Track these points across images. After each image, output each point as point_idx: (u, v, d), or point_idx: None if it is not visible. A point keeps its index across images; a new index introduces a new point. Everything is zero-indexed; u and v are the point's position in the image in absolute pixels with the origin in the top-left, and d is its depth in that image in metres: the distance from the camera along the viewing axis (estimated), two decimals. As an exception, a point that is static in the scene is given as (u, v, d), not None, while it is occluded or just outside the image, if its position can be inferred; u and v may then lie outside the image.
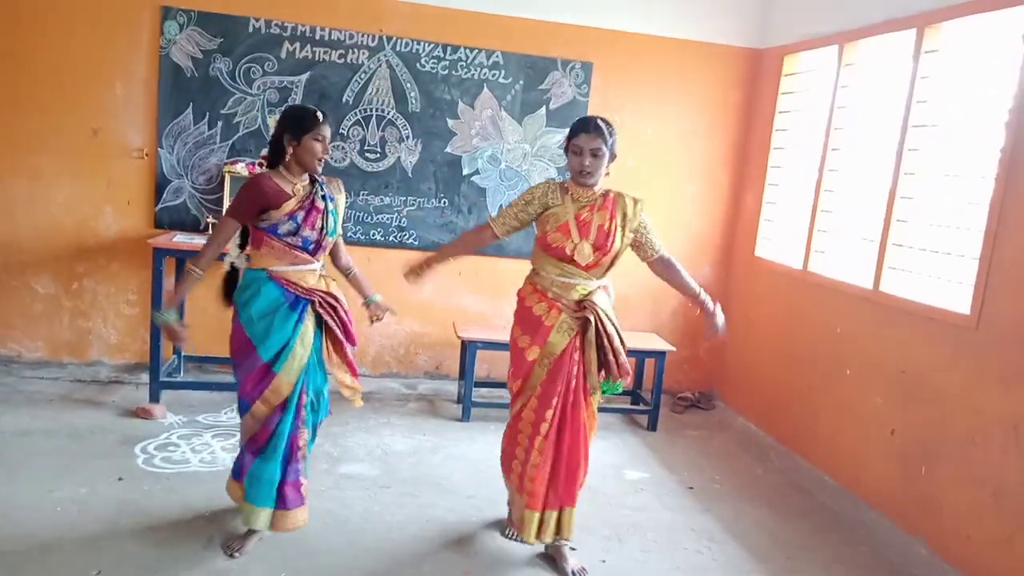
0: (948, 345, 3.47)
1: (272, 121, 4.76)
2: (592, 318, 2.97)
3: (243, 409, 3.00)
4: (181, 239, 4.47)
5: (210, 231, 4.60)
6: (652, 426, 4.88)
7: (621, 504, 3.80)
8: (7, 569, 2.76)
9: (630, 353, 4.53)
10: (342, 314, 3.03)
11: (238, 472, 3.02)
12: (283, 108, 3.05)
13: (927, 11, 3.74)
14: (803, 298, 4.56)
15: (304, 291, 2.93)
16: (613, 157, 3.00)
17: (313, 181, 3.00)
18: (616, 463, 4.32)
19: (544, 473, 3.03)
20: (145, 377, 4.56)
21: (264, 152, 3.08)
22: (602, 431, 4.77)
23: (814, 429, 4.35)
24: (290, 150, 2.88)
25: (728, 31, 5.21)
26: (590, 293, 3.03)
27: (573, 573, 3.09)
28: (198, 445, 3.96)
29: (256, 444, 2.97)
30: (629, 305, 5.27)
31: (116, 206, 4.73)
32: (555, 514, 3.07)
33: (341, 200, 3.09)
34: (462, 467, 4.05)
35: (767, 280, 4.99)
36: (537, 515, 3.05)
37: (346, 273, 3.26)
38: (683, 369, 5.46)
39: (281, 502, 2.97)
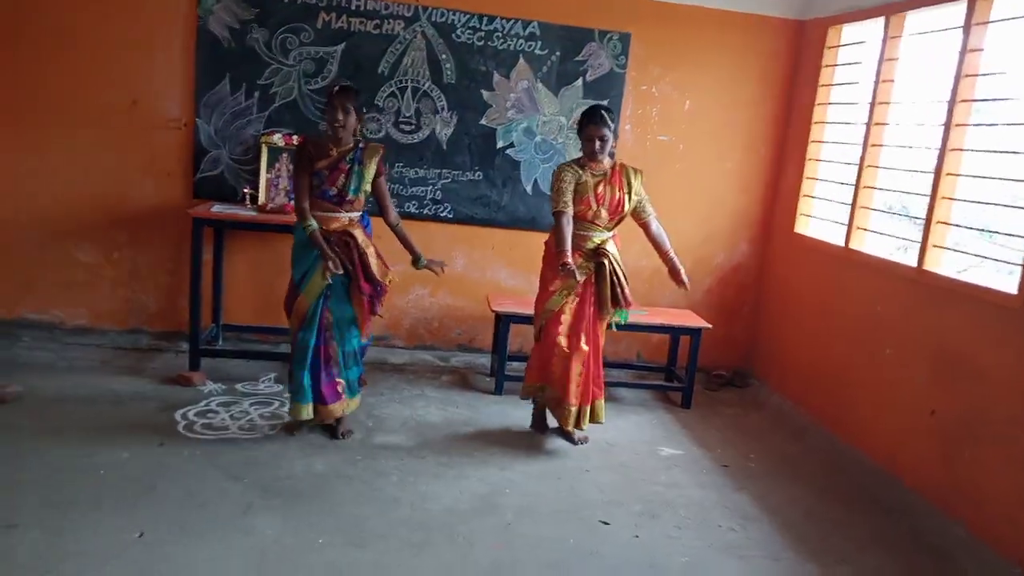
0: (993, 326, 3.38)
1: (308, 91, 4.78)
2: (606, 261, 3.85)
3: (287, 320, 3.79)
4: (219, 209, 4.51)
5: (247, 202, 4.64)
6: (686, 403, 4.85)
7: (655, 480, 3.79)
8: (50, 532, 2.84)
9: (665, 329, 4.84)
10: (352, 251, 3.63)
11: (290, 376, 3.77)
12: (356, 89, 3.68)
13: (981, -20, 3.61)
14: (844, 276, 4.48)
15: (325, 232, 3.61)
16: (616, 137, 3.95)
17: (356, 146, 3.65)
18: (650, 440, 4.30)
19: (585, 376, 3.91)
20: (184, 345, 4.64)
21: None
22: (636, 407, 4.78)
23: (852, 408, 4.29)
24: (328, 123, 3.61)
25: (770, 1, 5.08)
26: (603, 242, 3.89)
27: (577, 440, 4.08)
28: (237, 412, 4.02)
29: (293, 355, 3.72)
30: (664, 281, 5.19)
31: (155, 176, 4.78)
32: (589, 407, 3.97)
33: (371, 165, 3.67)
34: (495, 439, 4.07)
35: (807, 257, 4.91)
36: (577, 408, 3.91)
37: (393, 228, 3.81)
38: (718, 346, 5.40)
39: (319, 399, 3.68)
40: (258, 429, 3.85)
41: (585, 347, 3.90)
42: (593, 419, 4.02)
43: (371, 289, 3.70)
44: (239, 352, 4.72)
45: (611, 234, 3.93)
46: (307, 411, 3.67)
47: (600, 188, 3.80)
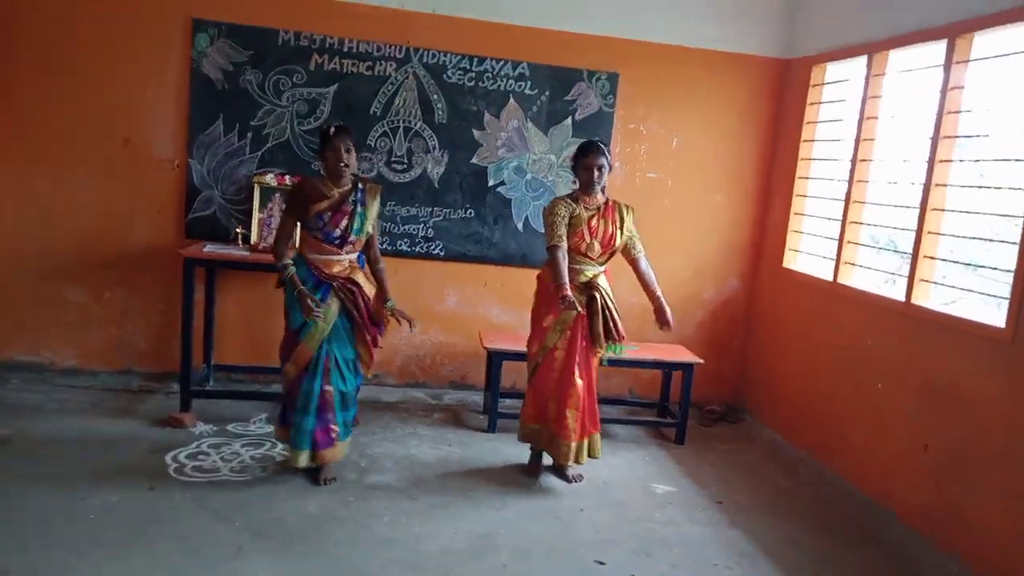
0: (983, 359, 3.42)
1: (300, 132, 4.82)
2: (597, 295, 3.89)
3: (281, 366, 3.71)
4: (211, 249, 4.52)
5: (239, 241, 4.65)
6: (680, 439, 4.84)
7: (649, 518, 3.78)
8: (42, 576, 2.80)
9: (657, 365, 4.83)
10: (358, 299, 3.64)
11: (282, 419, 3.74)
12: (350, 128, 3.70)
13: (957, 22, 3.70)
14: (833, 310, 4.51)
15: (327, 276, 3.59)
16: (611, 168, 3.99)
17: (355, 187, 3.63)
18: (644, 476, 4.29)
19: (580, 411, 3.91)
20: (175, 386, 4.61)
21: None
22: (630, 444, 4.77)
23: (844, 442, 4.30)
24: (321, 162, 3.63)
25: (755, 41, 5.19)
26: (595, 276, 3.94)
27: (572, 478, 4.08)
28: (228, 454, 3.99)
29: (292, 400, 3.64)
30: (654, 318, 5.24)
31: (147, 216, 4.79)
32: (586, 441, 3.98)
33: (373, 205, 3.69)
34: (489, 477, 4.05)
35: (796, 292, 4.95)
36: (576, 444, 3.92)
37: (372, 267, 3.83)
38: (710, 381, 5.41)
39: (314, 444, 3.63)
40: (249, 470, 3.82)
41: (580, 381, 3.91)
42: (591, 454, 4.03)
43: (377, 331, 3.77)
44: (230, 392, 4.70)
45: (603, 268, 3.99)
46: (305, 458, 3.64)
47: (594, 221, 3.87)
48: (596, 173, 3.84)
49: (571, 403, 3.89)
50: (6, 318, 4.74)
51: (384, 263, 3.86)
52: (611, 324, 3.91)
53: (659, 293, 4.02)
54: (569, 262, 3.83)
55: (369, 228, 3.69)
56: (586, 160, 3.85)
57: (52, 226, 4.71)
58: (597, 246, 3.88)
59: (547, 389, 3.95)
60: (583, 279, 3.90)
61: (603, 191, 3.96)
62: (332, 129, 3.55)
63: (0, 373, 4.71)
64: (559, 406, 3.91)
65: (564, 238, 3.81)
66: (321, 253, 3.61)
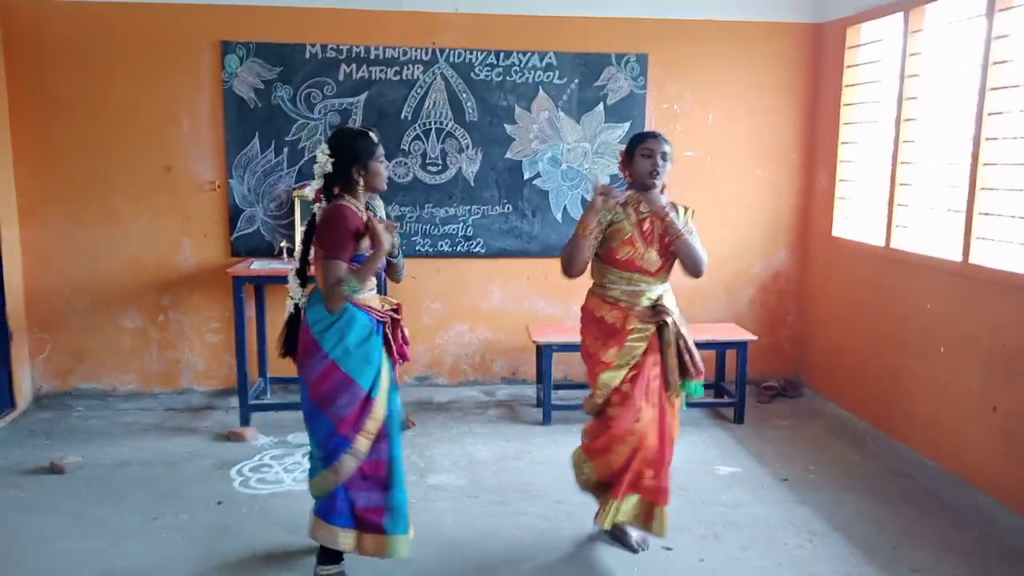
0: (1050, 314, 3.29)
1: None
2: (669, 320, 3.12)
3: (336, 453, 2.82)
4: (258, 266, 4.59)
5: (284, 255, 4.71)
6: (739, 418, 4.77)
7: (714, 501, 3.72)
8: (121, 597, 2.87)
9: (710, 345, 4.74)
10: (403, 330, 3.02)
11: (327, 512, 2.87)
12: (333, 138, 2.85)
13: (999, -34, 3.57)
14: (888, 276, 4.39)
15: (379, 314, 2.90)
16: (671, 162, 3.16)
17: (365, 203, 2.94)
18: (705, 459, 4.23)
19: (654, 464, 3.13)
20: (234, 401, 4.70)
21: (316, 186, 2.87)
22: (688, 427, 4.70)
23: (910, 411, 4.18)
24: (360, 179, 2.83)
25: (784, 7, 5.07)
26: (659, 298, 3.17)
27: (638, 546, 3.26)
28: (290, 464, 4.05)
29: (379, 479, 2.88)
30: (704, 297, 5.18)
31: (193, 238, 4.88)
32: (648, 501, 3.17)
33: (381, 214, 3.05)
34: (547, 471, 4.04)
35: (847, 260, 4.83)
36: (660, 509, 3.15)
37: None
38: (766, 358, 5.32)
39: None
40: (312, 480, 3.87)
41: (647, 428, 3.12)
42: (657, 531, 3.16)
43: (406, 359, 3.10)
44: (287, 404, 4.77)
45: (666, 286, 3.22)
46: (408, 543, 2.93)
47: (646, 225, 3.12)
48: (660, 160, 3.07)
49: (643, 452, 3.12)
50: (67, 349, 4.88)
51: None
52: (687, 357, 3.13)
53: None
54: (625, 283, 3.13)
55: None
56: (647, 144, 3.08)
57: (102, 258, 4.83)
58: (655, 256, 3.11)
59: (617, 435, 3.14)
60: (646, 301, 3.13)
61: (663, 191, 3.17)
62: (375, 136, 2.87)
63: (65, 402, 4.86)
64: (626, 457, 3.14)
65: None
66: (371, 289, 2.90)
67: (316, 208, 2.90)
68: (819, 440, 4.53)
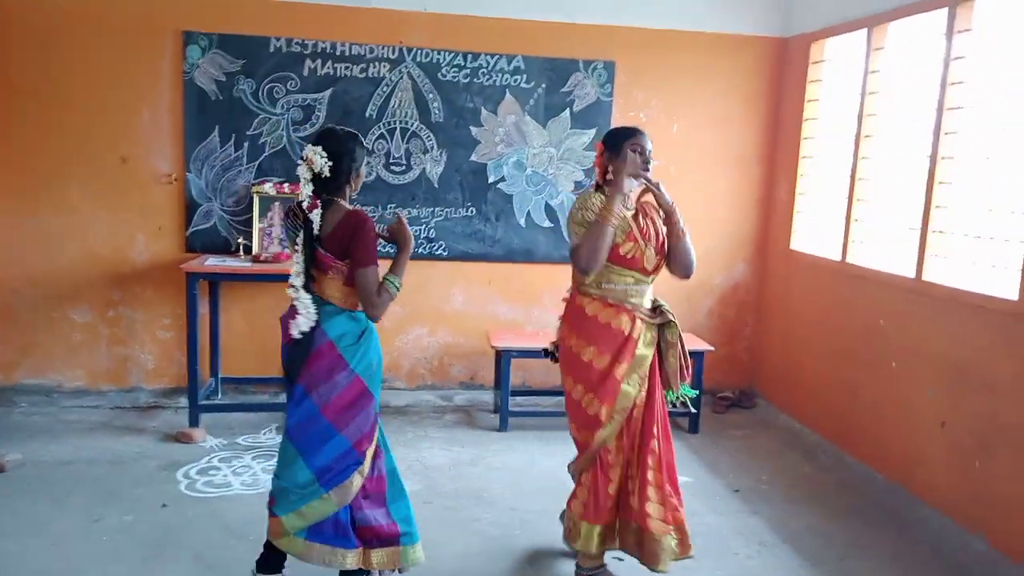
0: (997, 333, 3.35)
1: (297, 139, 4.77)
2: (675, 322, 2.98)
3: (347, 472, 2.71)
4: (213, 262, 4.49)
5: (241, 252, 4.62)
6: (694, 428, 4.79)
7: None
8: (57, 601, 2.78)
9: None
10: None
11: (329, 536, 2.74)
12: (333, 141, 2.69)
13: (958, -11, 3.63)
14: (843, 290, 4.45)
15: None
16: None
17: None
18: (659, 467, 4.24)
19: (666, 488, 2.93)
20: (184, 401, 4.59)
21: (308, 190, 2.65)
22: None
23: (861, 424, 4.24)
24: (352, 183, 2.76)
25: (751, 21, 5.12)
26: (657, 300, 3.04)
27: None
28: (239, 467, 3.97)
29: (380, 494, 2.80)
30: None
31: (148, 232, 4.77)
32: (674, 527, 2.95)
33: None
34: (502, 478, 4.01)
35: (805, 273, 4.89)
36: (673, 537, 2.92)
37: None
38: (722, 368, 5.36)
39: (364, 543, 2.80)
40: (261, 483, 3.79)
41: (659, 447, 2.95)
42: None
43: None
44: (239, 405, 4.69)
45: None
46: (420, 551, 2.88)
47: (641, 220, 2.98)
48: (650, 154, 2.97)
49: (658, 480, 2.93)
50: (12, 343, 4.73)
51: None
52: (683, 361, 3.02)
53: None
54: (631, 282, 2.93)
55: None
56: (636, 141, 2.94)
57: (54, 249, 4.69)
58: (652, 254, 2.95)
59: (618, 471, 2.95)
60: (648, 303, 2.99)
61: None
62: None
63: (8, 397, 4.71)
64: (641, 493, 2.91)
65: None
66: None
67: (315, 215, 2.65)
68: (772, 451, 4.57)
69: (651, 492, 2.90)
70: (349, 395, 2.70)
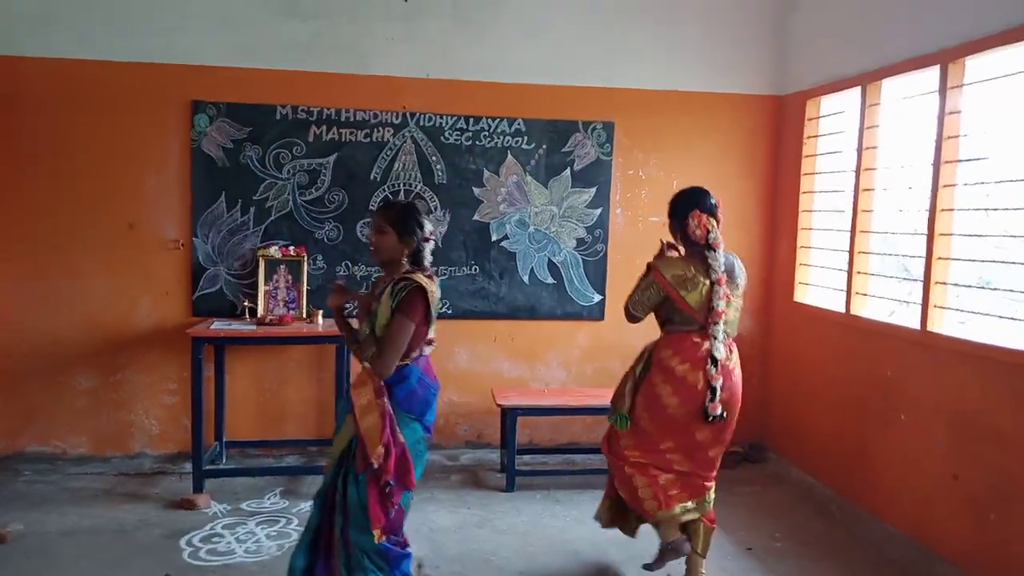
0: (1006, 384, 3.33)
1: (302, 202, 4.84)
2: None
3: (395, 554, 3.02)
4: (219, 326, 4.51)
5: (246, 315, 4.64)
6: (703, 485, 4.72)
7: (677, 571, 3.65)
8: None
9: None
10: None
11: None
12: (401, 206, 3.20)
13: (948, 48, 3.70)
14: (849, 342, 4.44)
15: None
16: None
17: (393, 280, 3.13)
18: (669, 527, 4.17)
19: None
20: (188, 466, 4.55)
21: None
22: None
23: (873, 478, 4.18)
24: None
25: (747, 80, 5.22)
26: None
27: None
28: (243, 534, 3.91)
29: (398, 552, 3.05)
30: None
31: (154, 297, 4.80)
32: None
33: (385, 303, 3.09)
34: (510, 541, 3.95)
35: (809, 326, 4.88)
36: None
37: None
38: (730, 423, 5.30)
39: None
40: (264, 550, 3.73)
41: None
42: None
43: (365, 468, 2.89)
44: (243, 470, 4.64)
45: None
46: None
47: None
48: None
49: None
50: (16, 409, 4.72)
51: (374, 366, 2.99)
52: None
53: None
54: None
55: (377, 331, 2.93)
56: (702, 208, 3.39)
57: (60, 315, 4.71)
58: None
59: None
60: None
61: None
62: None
63: (12, 466, 4.67)
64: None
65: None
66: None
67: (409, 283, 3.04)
68: (784, 506, 4.50)
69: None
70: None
